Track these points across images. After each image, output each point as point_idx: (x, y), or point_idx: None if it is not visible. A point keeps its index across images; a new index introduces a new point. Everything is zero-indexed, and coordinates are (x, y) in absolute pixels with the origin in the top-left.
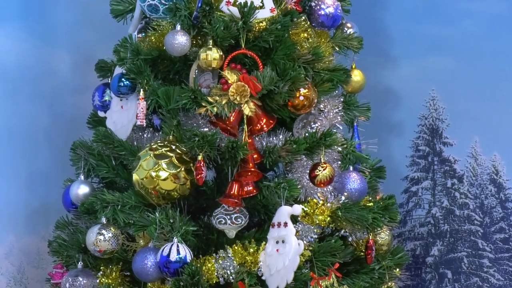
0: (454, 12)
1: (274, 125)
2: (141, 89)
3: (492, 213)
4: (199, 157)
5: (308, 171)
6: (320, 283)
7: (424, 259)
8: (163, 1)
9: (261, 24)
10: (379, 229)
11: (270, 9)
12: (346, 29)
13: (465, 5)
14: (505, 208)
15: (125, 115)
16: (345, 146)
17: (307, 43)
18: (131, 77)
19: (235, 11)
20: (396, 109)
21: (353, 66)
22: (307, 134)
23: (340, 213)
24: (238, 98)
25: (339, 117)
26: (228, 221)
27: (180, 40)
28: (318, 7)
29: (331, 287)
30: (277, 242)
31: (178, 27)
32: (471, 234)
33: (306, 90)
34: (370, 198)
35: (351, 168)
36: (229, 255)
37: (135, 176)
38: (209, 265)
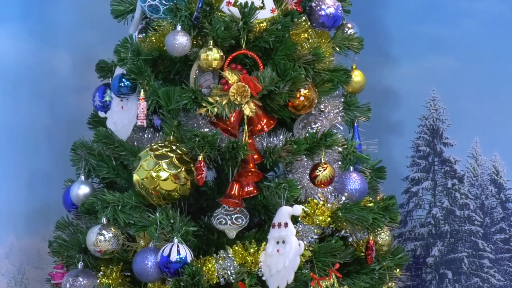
0: (455, 12)
1: (274, 125)
2: (142, 90)
3: (492, 213)
4: (200, 158)
5: (308, 172)
6: (321, 283)
7: (425, 259)
8: (163, 2)
9: (261, 24)
10: (379, 229)
11: (271, 10)
12: (346, 29)
13: (466, 5)
14: (505, 209)
15: (125, 116)
16: (345, 146)
17: (307, 44)
18: (132, 78)
19: (235, 11)
20: (397, 109)
21: (354, 67)
22: (307, 135)
23: (340, 214)
24: (238, 99)
25: (339, 118)
26: (229, 222)
27: (180, 40)
28: (319, 7)
29: (331, 287)
30: (277, 243)
31: (179, 27)
32: (471, 234)
33: (307, 90)
34: (371, 199)
35: (351, 168)
36: (230, 255)
37: (135, 177)
38: (209, 265)
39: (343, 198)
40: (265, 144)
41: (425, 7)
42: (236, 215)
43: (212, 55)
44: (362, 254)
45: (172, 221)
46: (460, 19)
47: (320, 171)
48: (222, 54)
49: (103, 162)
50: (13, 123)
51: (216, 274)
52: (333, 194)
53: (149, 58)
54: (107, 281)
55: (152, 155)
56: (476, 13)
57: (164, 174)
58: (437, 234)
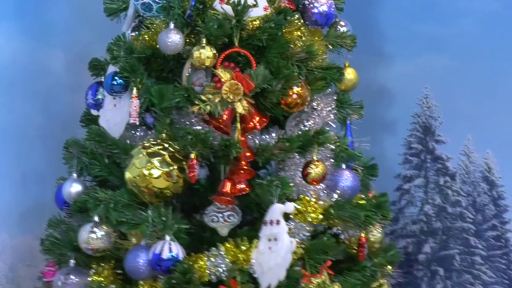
0: (449, 10)
1: (267, 123)
2: (134, 88)
3: (484, 210)
4: (192, 155)
5: (300, 169)
6: (312, 280)
7: (416, 256)
8: (156, 0)
9: (254, 22)
10: (371, 226)
11: (264, 7)
12: (339, 27)
13: (460, 4)
14: (497, 206)
15: (118, 114)
16: (338, 144)
17: (300, 41)
18: (125, 76)
19: (228, 9)
20: (390, 107)
21: (347, 64)
22: (300, 132)
23: (332, 211)
24: (231, 96)
25: (332, 115)
26: (221, 219)
27: (173, 38)
28: (312, 5)
29: (323, 284)
30: (269, 240)
31: (172, 25)
32: (463, 231)
33: (300, 88)
34: (363, 196)
35: (343, 166)
36: (221, 253)
37: (127, 174)
38: (201, 263)
39: (335, 196)
40: (257, 142)
41: (420, 6)
42: (228, 213)
43: (205, 53)
44: (354, 251)
45: (164, 219)
46: (455, 18)
47: (312, 168)
48: (215, 52)
49: (95, 160)
50: (7, 122)
51: (208, 271)
52: (325, 191)
53: (142, 56)
54: (98, 279)
55: (144, 153)
56: (471, 12)
57: (156, 172)
58: (429, 231)
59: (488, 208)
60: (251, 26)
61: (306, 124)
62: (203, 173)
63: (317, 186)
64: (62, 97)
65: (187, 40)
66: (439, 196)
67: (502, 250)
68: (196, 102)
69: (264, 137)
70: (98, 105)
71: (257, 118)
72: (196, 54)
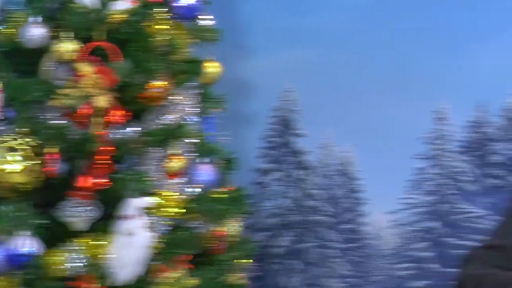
0: (312, 5)
1: (128, 117)
2: None
3: (341, 204)
4: (51, 150)
5: (160, 163)
6: (169, 275)
7: (273, 249)
8: None
9: (119, 15)
10: (229, 220)
11: (132, 0)
12: (204, 21)
13: None
14: (354, 199)
15: None
16: (199, 138)
17: (164, 35)
18: None
19: (92, 2)
20: (252, 100)
21: (209, 58)
22: (161, 126)
23: (191, 205)
24: (92, 90)
25: (193, 109)
26: (78, 214)
27: (36, 32)
28: None
29: (180, 278)
30: (126, 235)
31: (34, 19)
32: (320, 224)
33: (161, 82)
34: (221, 190)
35: (203, 159)
36: (78, 248)
37: None
38: (57, 258)
39: (194, 189)
40: (118, 135)
41: (284, 0)
42: (86, 208)
43: (66, 46)
44: (212, 245)
45: (21, 214)
46: (318, 12)
47: (171, 162)
48: (77, 45)
49: None
50: None
51: (64, 266)
52: (184, 185)
53: (5, 50)
54: None
55: (2, 148)
56: (334, 6)
57: (14, 167)
58: (286, 225)
59: (345, 201)
60: (116, 19)
61: (167, 118)
62: (63, 168)
63: (176, 180)
64: None
65: (51, 34)
66: (297, 189)
67: (357, 243)
68: (56, 96)
69: (124, 131)
70: None
71: (118, 112)
72: (57, 47)
